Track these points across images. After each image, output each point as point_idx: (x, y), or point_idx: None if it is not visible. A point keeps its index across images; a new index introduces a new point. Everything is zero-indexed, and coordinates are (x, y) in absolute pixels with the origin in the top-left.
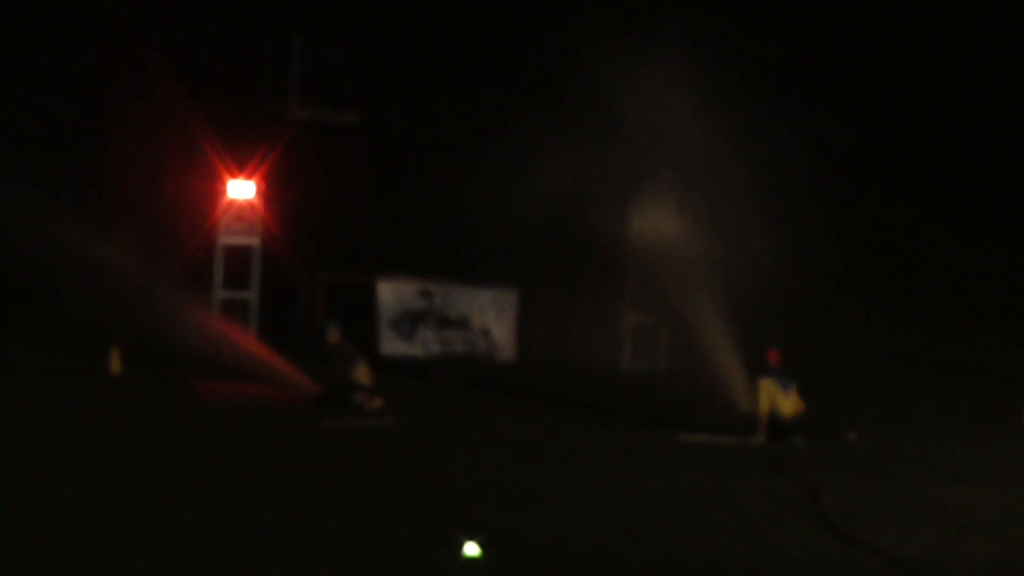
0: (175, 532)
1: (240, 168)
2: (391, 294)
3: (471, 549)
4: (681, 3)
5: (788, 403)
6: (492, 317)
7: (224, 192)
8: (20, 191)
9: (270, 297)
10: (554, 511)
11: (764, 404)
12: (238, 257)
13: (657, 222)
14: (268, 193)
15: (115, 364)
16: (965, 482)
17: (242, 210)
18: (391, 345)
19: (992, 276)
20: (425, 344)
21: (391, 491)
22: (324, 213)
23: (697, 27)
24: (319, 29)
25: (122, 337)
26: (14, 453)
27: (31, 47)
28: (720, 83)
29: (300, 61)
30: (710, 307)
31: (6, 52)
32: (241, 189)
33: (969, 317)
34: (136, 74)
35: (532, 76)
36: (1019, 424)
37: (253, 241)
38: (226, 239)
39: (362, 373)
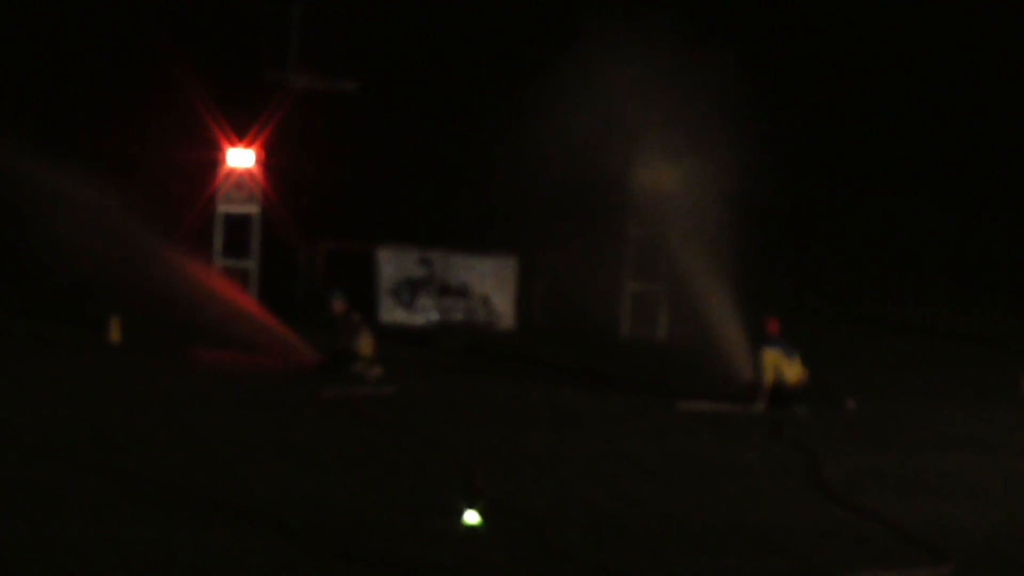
0: (174, 500)
1: (239, 137)
2: (391, 262)
3: (471, 517)
4: None
5: (792, 371)
6: (492, 285)
7: (223, 161)
8: (22, 161)
9: (270, 265)
10: (554, 478)
11: (769, 374)
12: (238, 226)
13: (658, 190)
14: (267, 162)
15: (115, 333)
16: (964, 450)
17: (241, 179)
18: (391, 313)
19: (992, 246)
20: (425, 312)
21: (391, 459)
22: (323, 181)
23: None
24: None
25: (122, 306)
26: (14, 422)
27: (34, 20)
28: (722, 50)
29: (299, 29)
30: (710, 275)
31: (8, 23)
32: (240, 158)
33: (969, 286)
34: (135, 43)
35: (531, 43)
36: (1019, 392)
37: (253, 210)
38: (226, 208)
39: (365, 344)
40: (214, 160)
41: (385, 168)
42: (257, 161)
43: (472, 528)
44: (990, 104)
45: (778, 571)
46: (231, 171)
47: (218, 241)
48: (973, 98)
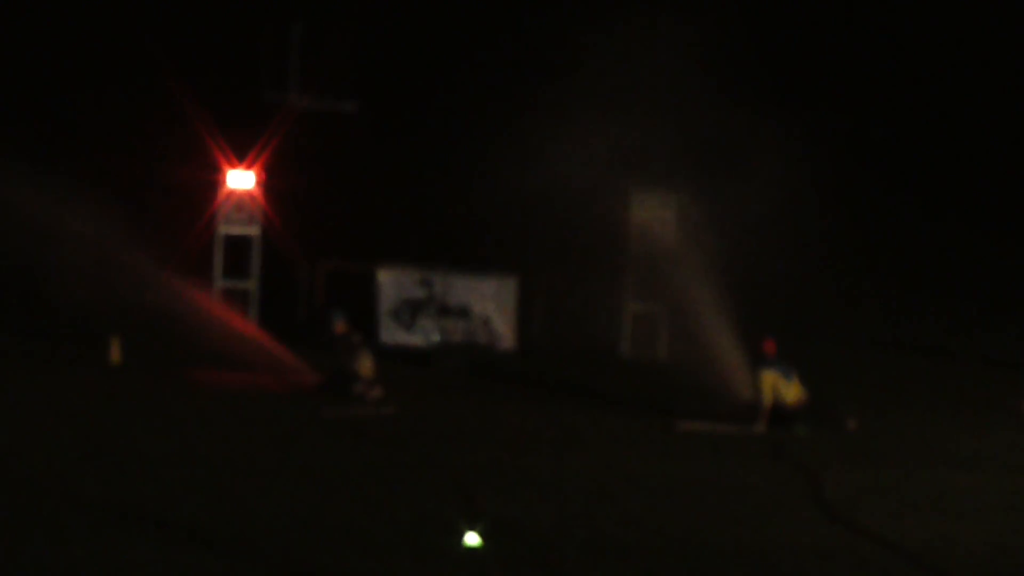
0: (175, 520)
1: (240, 158)
2: (391, 283)
3: (472, 539)
4: None
5: (791, 392)
6: (492, 306)
7: (224, 182)
8: (21, 181)
9: (270, 286)
10: (555, 499)
11: (768, 396)
12: (238, 247)
13: (658, 210)
14: (268, 183)
15: (115, 353)
16: (965, 469)
17: (242, 200)
18: (391, 334)
19: (993, 264)
20: (425, 333)
21: (391, 480)
22: (324, 202)
23: (698, 15)
24: (318, 17)
25: (122, 327)
26: (15, 441)
27: (30, 39)
28: (721, 72)
29: (299, 50)
30: (710, 295)
31: (5, 45)
32: (241, 179)
33: (970, 304)
34: (135, 64)
35: (533, 64)
36: (1019, 411)
37: (253, 231)
38: (226, 229)
39: (365, 365)
40: (214, 181)
41: (385, 189)
42: (257, 182)
43: (472, 550)
44: (995, 120)
45: None
46: (231, 192)
47: (218, 262)
48: (978, 113)
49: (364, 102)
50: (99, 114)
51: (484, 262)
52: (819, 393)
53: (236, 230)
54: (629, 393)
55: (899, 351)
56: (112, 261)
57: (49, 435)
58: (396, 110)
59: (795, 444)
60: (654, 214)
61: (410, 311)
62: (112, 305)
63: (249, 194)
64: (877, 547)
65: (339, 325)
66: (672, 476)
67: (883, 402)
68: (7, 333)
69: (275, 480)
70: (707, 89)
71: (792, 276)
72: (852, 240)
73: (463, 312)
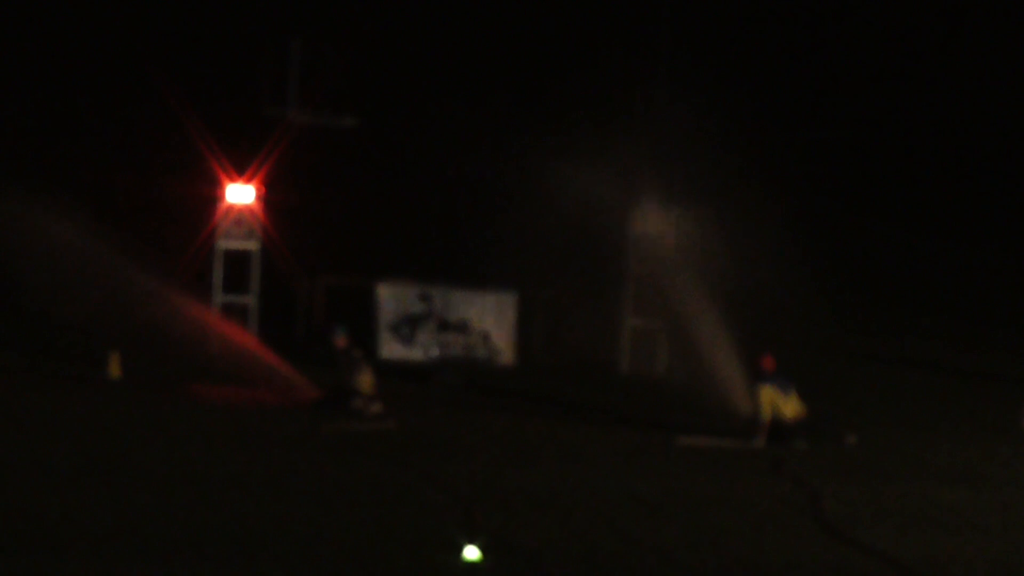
0: (175, 535)
1: (239, 172)
2: (391, 298)
3: (471, 553)
4: (679, 10)
5: (790, 407)
6: (491, 321)
7: (223, 197)
8: (21, 197)
9: (270, 301)
10: (553, 514)
11: (766, 411)
12: (238, 261)
13: (657, 226)
14: (267, 197)
15: (114, 368)
16: (965, 484)
17: (241, 215)
18: (391, 349)
19: (991, 279)
20: (424, 348)
21: (391, 494)
22: (323, 217)
23: (695, 35)
24: (318, 33)
25: (122, 342)
26: (15, 457)
27: (30, 55)
28: (718, 90)
29: (299, 65)
30: (709, 310)
31: (6, 58)
32: (240, 194)
33: (969, 320)
34: (135, 79)
35: (532, 81)
36: (1018, 426)
37: (252, 245)
38: (225, 243)
39: (365, 380)
40: (214, 196)
41: (385, 204)
42: (257, 197)
43: (472, 564)
44: (993, 137)
45: None
46: (231, 207)
47: (218, 277)
48: (975, 130)
49: (363, 117)
50: (99, 129)
51: (483, 277)
52: (818, 408)
53: (235, 245)
54: (628, 408)
55: (898, 366)
56: (111, 276)
57: (49, 449)
58: (395, 125)
59: (794, 459)
60: (654, 230)
61: (409, 326)
62: (111, 320)
63: (248, 209)
64: (876, 562)
65: (340, 339)
66: (671, 491)
67: (882, 417)
68: (6, 349)
69: (274, 494)
70: (705, 107)
71: (791, 291)
72: (851, 256)
73: (462, 327)
